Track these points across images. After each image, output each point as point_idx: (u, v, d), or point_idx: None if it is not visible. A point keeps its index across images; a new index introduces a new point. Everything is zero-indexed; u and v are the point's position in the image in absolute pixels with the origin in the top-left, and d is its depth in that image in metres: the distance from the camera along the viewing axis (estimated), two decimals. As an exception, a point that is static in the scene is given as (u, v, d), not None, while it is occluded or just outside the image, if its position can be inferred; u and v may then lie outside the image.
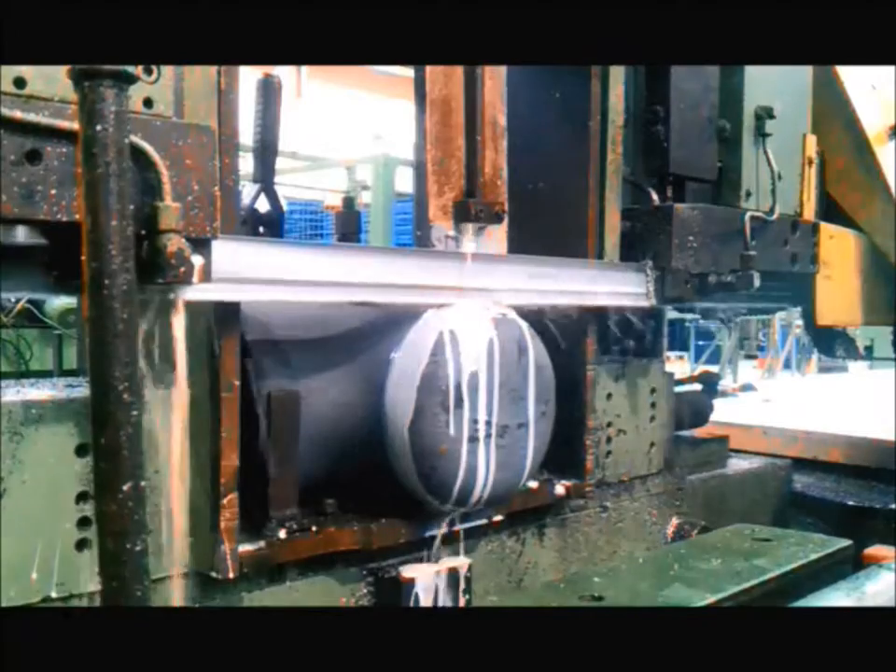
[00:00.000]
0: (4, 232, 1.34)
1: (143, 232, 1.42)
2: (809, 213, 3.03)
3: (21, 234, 1.37)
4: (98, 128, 1.27)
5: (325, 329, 2.01)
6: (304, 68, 17.18)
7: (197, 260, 1.49)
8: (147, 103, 1.48)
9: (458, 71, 2.15)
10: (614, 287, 2.40)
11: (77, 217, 1.35)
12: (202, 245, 1.53)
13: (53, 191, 1.36)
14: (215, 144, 1.55)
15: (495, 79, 2.19)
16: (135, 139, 1.38)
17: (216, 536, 1.66)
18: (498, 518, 2.19)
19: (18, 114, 1.32)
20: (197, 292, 1.54)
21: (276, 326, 1.94)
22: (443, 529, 2.05)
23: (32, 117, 1.34)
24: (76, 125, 1.31)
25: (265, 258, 1.70)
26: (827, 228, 3.12)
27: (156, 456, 1.58)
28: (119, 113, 1.29)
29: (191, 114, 1.56)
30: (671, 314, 3.59)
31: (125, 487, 1.29)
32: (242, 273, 1.65)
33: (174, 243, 1.43)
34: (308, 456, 1.87)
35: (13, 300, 5.78)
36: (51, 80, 1.37)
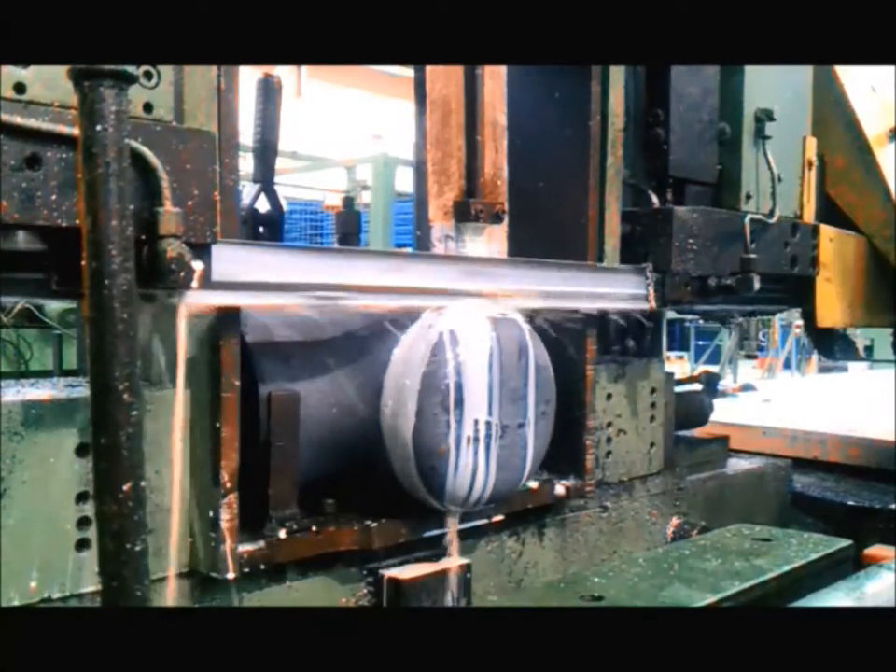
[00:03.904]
0: (4, 238, 1.34)
1: (143, 237, 1.42)
2: (809, 215, 3.03)
3: (21, 239, 1.37)
4: (98, 128, 1.27)
5: (325, 329, 2.01)
6: (304, 68, 17.18)
7: (197, 265, 1.50)
8: (147, 107, 1.49)
9: (458, 71, 2.15)
10: (614, 290, 2.40)
11: (77, 221, 1.36)
12: (202, 249, 1.53)
13: (53, 196, 1.36)
14: (215, 148, 1.55)
15: (495, 79, 2.19)
16: (135, 144, 1.38)
17: (216, 536, 1.66)
18: (498, 518, 2.19)
19: (18, 119, 1.32)
20: (197, 296, 1.54)
21: (276, 326, 1.94)
22: (443, 529, 2.05)
23: (32, 122, 1.34)
24: (75, 130, 1.31)
25: (265, 262, 1.70)
26: (827, 230, 3.12)
27: (156, 457, 1.58)
28: (118, 113, 1.29)
29: (191, 117, 1.56)
30: (671, 314, 3.59)
31: (125, 487, 1.29)
32: (241, 277, 1.65)
33: (173, 248, 1.43)
34: (308, 456, 1.87)
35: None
36: (51, 85, 1.37)
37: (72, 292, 1.42)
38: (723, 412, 3.74)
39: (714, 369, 10.44)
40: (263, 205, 2.57)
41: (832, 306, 3.21)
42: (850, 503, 3.41)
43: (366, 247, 6.28)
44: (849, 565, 2.53)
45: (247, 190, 2.52)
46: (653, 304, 2.50)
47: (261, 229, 2.57)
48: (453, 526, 2.04)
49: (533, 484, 2.27)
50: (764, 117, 2.76)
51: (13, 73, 1.34)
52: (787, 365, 16.16)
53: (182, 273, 1.45)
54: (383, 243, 7.54)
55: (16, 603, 1.47)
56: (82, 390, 1.59)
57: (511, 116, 2.24)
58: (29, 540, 1.48)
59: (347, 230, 2.81)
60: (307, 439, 1.86)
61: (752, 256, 2.67)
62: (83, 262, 1.28)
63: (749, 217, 2.70)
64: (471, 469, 1.96)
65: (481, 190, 2.16)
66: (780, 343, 15.93)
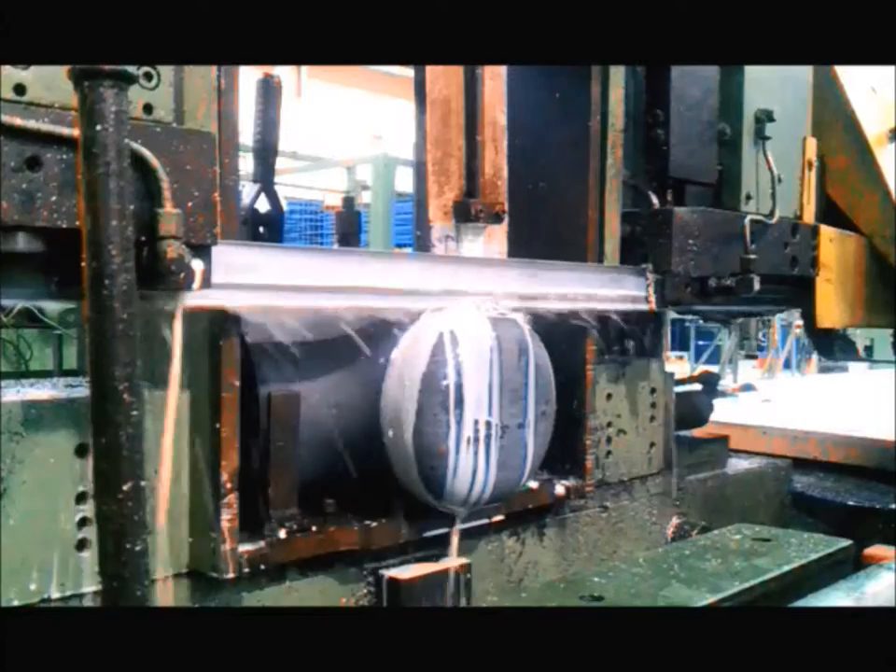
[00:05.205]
0: (4, 239, 1.34)
1: (143, 238, 1.42)
2: (809, 216, 3.03)
3: (21, 241, 1.37)
4: (98, 128, 1.27)
5: (325, 330, 2.01)
6: (304, 68, 17.19)
7: (197, 266, 1.50)
8: (147, 108, 1.48)
9: (458, 71, 2.15)
10: (614, 291, 2.40)
11: (77, 223, 1.35)
12: (202, 250, 1.53)
13: (53, 198, 1.36)
14: (215, 149, 1.55)
15: (495, 79, 2.19)
16: (135, 145, 1.38)
17: (216, 536, 1.66)
18: (498, 518, 2.20)
19: (18, 120, 1.32)
20: (197, 298, 1.54)
21: (276, 326, 1.94)
22: (443, 529, 2.05)
23: (32, 123, 1.34)
24: (76, 131, 1.31)
25: (265, 263, 1.70)
26: (827, 231, 3.12)
27: (156, 457, 1.58)
28: (118, 113, 1.29)
29: (191, 118, 1.55)
30: (671, 314, 3.59)
31: (125, 487, 1.29)
32: (242, 278, 1.65)
33: (173, 249, 1.43)
34: (308, 456, 1.87)
35: (13, 300, 5.77)
36: (51, 87, 1.37)
37: (72, 293, 1.42)
38: (723, 412, 3.74)
39: (714, 369, 10.44)
40: (263, 205, 2.57)
41: (831, 307, 3.21)
42: (850, 503, 3.41)
43: (366, 248, 6.27)
44: (849, 565, 2.53)
45: (247, 190, 2.52)
46: (653, 305, 2.50)
47: (261, 229, 2.56)
48: (456, 527, 2.04)
49: (533, 484, 2.27)
50: (764, 117, 2.75)
51: (13, 74, 1.34)
52: (787, 365, 16.17)
53: (182, 275, 1.46)
54: (383, 243, 7.54)
55: (16, 603, 1.47)
56: (82, 390, 1.59)
57: (510, 116, 2.24)
58: (29, 540, 1.48)
59: (347, 230, 2.80)
60: (307, 439, 1.86)
61: (752, 256, 2.67)
62: (83, 263, 1.28)
63: (749, 217, 2.70)
64: (471, 469, 1.97)
65: (481, 190, 2.16)
66: (780, 343, 15.94)
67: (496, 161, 2.21)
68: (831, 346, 3.58)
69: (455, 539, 2.05)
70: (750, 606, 2.16)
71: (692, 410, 3.07)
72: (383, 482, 2.00)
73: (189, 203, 1.50)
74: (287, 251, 1.83)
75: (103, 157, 1.27)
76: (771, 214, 2.80)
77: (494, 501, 2.09)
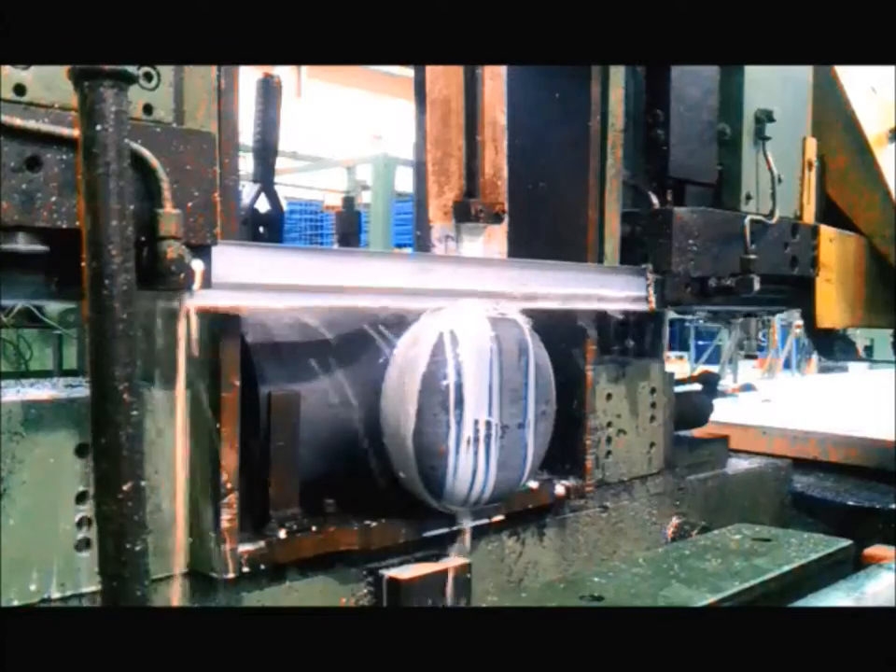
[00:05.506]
0: (4, 239, 1.34)
1: (143, 238, 1.42)
2: (809, 216, 3.03)
3: (22, 241, 1.37)
4: (98, 128, 1.27)
5: (325, 330, 2.01)
6: (304, 68, 17.19)
7: (197, 266, 1.50)
8: (147, 109, 1.49)
9: (458, 71, 2.15)
10: (614, 291, 2.40)
11: (77, 223, 1.36)
12: (202, 250, 1.53)
13: (53, 198, 1.36)
14: (215, 149, 1.55)
15: (495, 79, 2.19)
16: (135, 145, 1.38)
17: (216, 536, 1.66)
18: (498, 518, 2.20)
19: (18, 121, 1.32)
20: (197, 298, 1.54)
21: (276, 327, 1.94)
22: (443, 529, 2.05)
23: (32, 123, 1.34)
24: (76, 132, 1.31)
25: (265, 263, 1.71)
26: (827, 231, 3.12)
27: (156, 457, 1.58)
28: (118, 113, 1.29)
29: (191, 118, 1.55)
30: (671, 313, 3.59)
31: (125, 487, 1.29)
32: (242, 278, 1.65)
33: (173, 249, 1.43)
34: (308, 456, 1.88)
35: (13, 299, 5.77)
36: (51, 87, 1.37)
37: (72, 293, 1.42)
38: (723, 412, 3.74)
39: (714, 369, 10.44)
40: (263, 205, 2.57)
41: (831, 307, 3.21)
42: (850, 503, 3.41)
43: (366, 248, 6.28)
44: (849, 565, 2.53)
45: (247, 190, 2.52)
46: (653, 305, 2.49)
47: (261, 229, 2.57)
48: (467, 525, 2.05)
49: (533, 484, 2.27)
50: (764, 117, 2.75)
51: (13, 74, 1.34)
52: (787, 365, 16.16)
53: (182, 275, 1.46)
54: (383, 243, 7.54)
55: (16, 603, 1.47)
56: (82, 390, 1.59)
57: (510, 116, 2.24)
58: (29, 540, 1.48)
59: (347, 230, 2.80)
60: (307, 439, 1.86)
61: (752, 257, 2.67)
62: (83, 263, 1.28)
63: (749, 217, 2.70)
64: (471, 469, 1.97)
65: (481, 190, 2.16)
66: (780, 343, 15.93)
67: (496, 161, 2.21)
68: (831, 346, 3.58)
69: (466, 538, 2.06)
70: (750, 606, 2.16)
71: (692, 410, 3.07)
72: (383, 482, 2.00)
73: (189, 203, 1.50)
74: (287, 251, 1.83)
75: (103, 157, 1.27)
76: (771, 214, 2.79)
77: (494, 501, 2.09)
